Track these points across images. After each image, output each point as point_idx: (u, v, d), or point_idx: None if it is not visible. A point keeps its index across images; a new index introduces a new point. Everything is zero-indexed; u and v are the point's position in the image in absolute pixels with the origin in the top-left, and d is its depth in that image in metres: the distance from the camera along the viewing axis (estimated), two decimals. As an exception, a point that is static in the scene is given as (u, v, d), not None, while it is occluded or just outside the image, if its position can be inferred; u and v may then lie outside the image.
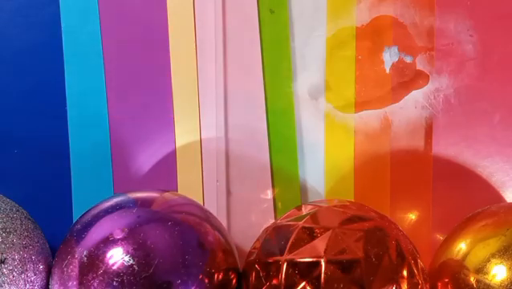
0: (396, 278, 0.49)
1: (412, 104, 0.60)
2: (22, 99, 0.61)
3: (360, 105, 0.60)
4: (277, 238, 0.51)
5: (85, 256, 0.50)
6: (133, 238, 0.49)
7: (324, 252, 0.49)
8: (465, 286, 0.50)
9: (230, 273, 0.52)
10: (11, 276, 0.51)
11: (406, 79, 0.60)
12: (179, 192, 0.60)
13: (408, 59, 0.60)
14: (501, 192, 0.59)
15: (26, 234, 0.53)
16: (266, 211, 0.60)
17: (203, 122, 0.60)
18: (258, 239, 0.53)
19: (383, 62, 0.60)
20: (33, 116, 0.61)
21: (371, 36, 0.60)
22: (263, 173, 0.60)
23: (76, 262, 0.50)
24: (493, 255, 0.50)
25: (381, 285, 0.49)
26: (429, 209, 0.59)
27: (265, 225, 0.55)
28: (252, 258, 0.52)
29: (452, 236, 0.53)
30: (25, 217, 0.54)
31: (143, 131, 0.61)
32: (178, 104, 0.60)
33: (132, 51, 0.61)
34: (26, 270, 0.52)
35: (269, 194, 0.60)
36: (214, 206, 0.59)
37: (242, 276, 0.53)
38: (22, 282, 0.51)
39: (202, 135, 0.60)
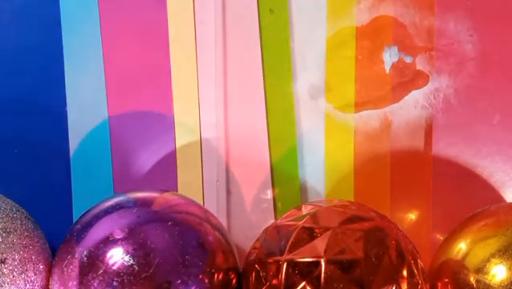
0: (396, 278, 0.49)
1: (412, 104, 0.59)
2: (21, 99, 0.61)
3: (360, 105, 0.60)
4: (277, 238, 0.51)
5: (85, 256, 0.50)
6: (133, 238, 0.49)
7: (324, 252, 0.49)
8: (465, 286, 0.50)
9: (230, 273, 0.52)
10: (11, 276, 0.51)
11: (406, 79, 0.60)
12: (179, 192, 0.60)
13: (407, 59, 0.60)
14: (501, 192, 0.59)
15: (26, 234, 0.53)
16: (266, 211, 0.60)
17: (203, 122, 0.60)
18: (258, 239, 0.53)
19: (383, 62, 0.60)
20: (33, 116, 0.61)
21: (371, 36, 0.60)
22: (263, 173, 0.60)
23: (76, 262, 0.50)
24: (493, 255, 0.50)
25: (381, 285, 0.49)
26: (429, 209, 0.59)
27: (265, 225, 0.55)
28: (252, 258, 0.52)
29: (452, 236, 0.53)
30: (25, 217, 0.54)
31: (143, 131, 0.61)
32: (178, 104, 0.60)
33: (132, 51, 0.61)
34: (26, 270, 0.52)
35: (269, 194, 0.60)
36: (214, 206, 0.59)
37: (242, 276, 0.53)
38: (22, 282, 0.51)
39: (202, 135, 0.60)
